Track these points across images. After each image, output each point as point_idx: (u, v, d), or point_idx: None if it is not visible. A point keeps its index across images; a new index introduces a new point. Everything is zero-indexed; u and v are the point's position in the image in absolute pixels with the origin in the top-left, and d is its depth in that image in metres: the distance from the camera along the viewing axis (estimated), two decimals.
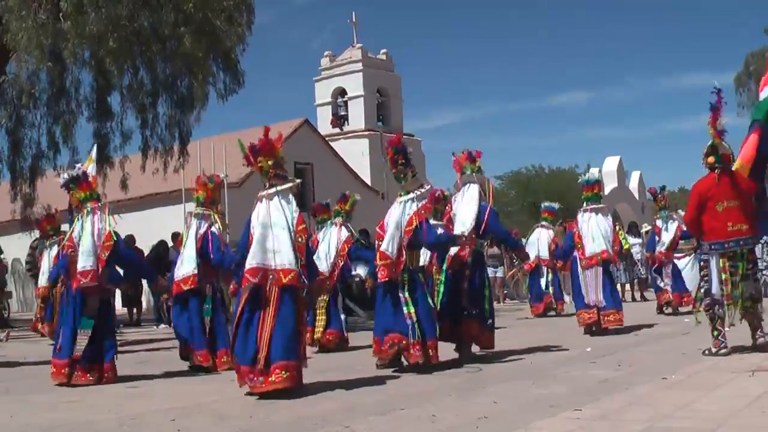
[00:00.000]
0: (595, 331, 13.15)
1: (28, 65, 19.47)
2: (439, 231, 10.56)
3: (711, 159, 9.70)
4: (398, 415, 6.79)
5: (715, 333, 9.60)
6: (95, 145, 15.37)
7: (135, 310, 21.61)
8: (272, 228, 8.35)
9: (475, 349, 10.66)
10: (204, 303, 10.80)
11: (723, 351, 9.49)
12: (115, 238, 9.89)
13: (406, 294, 9.67)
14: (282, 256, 8.23)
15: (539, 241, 19.60)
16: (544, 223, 20.15)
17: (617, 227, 16.00)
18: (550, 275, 19.41)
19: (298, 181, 8.97)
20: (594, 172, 15.98)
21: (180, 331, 10.89)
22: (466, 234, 10.42)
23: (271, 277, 8.18)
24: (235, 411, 7.31)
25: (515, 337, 11.48)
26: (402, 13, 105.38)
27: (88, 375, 9.50)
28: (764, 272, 21.34)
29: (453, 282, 10.59)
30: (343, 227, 13.34)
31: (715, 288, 9.58)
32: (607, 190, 36.88)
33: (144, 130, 21.61)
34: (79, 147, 21.71)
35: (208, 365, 10.50)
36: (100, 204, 10.23)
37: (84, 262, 9.69)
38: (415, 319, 9.53)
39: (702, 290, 9.82)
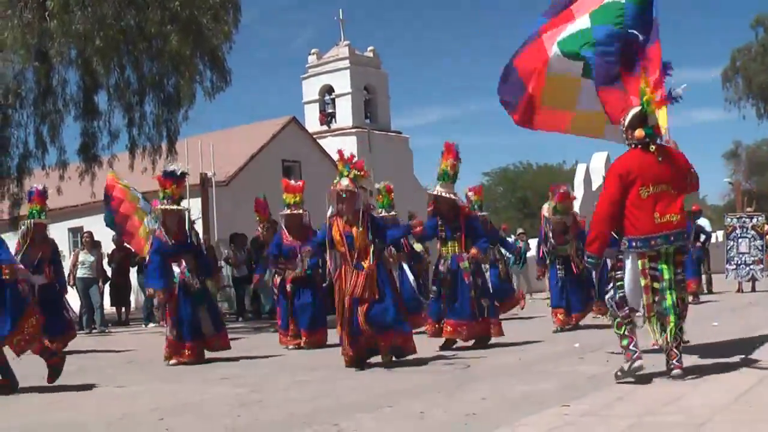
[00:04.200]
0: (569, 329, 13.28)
1: (14, 64, 19.44)
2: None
3: (640, 132, 7.60)
4: (386, 413, 6.78)
5: (625, 342, 7.51)
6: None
7: (123, 309, 21.60)
8: None
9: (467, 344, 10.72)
10: None
11: (637, 363, 7.34)
12: None
13: None
14: None
15: None
16: None
17: None
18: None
19: (342, 188, 9.69)
20: None
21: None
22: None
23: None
24: (223, 410, 7.29)
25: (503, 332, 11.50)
26: (388, 11, 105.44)
27: None
28: (752, 267, 21.51)
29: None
30: None
31: (631, 297, 7.56)
32: (594, 186, 36.92)
33: (131, 128, 21.58)
34: (67, 146, 21.72)
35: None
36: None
37: None
38: None
39: (616, 299, 7.67)
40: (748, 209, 23.29)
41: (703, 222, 21.65)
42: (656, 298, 7.46)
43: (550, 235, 13.80)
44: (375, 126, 36.98)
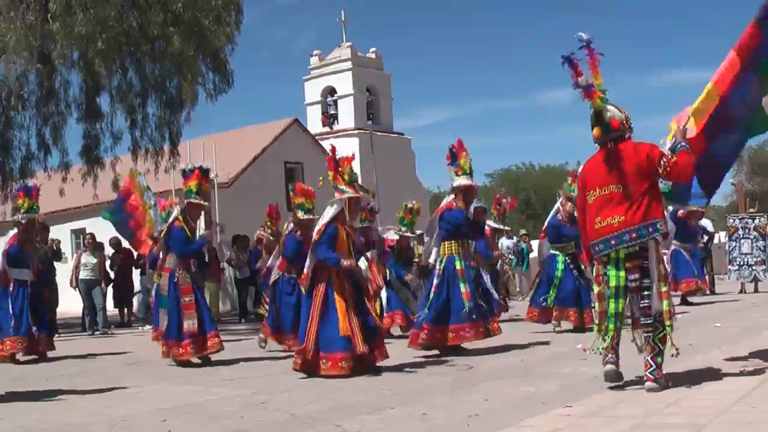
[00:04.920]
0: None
1: (17, 66, 19.47)
2: None
3: (597, 131, 7.21)
4: (389, 414, 6.79)
5: (603, 346, 7.20)
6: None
7: (126, 311, 21.61)
8: None
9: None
10: None
11: (609, 367, 7.15)
12: None
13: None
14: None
15: None
16: None
17: None
18: None
19: (349, 195, 9.78)
20: None
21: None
22: None
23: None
24: (227, 411, 7.30)
25: (506, 334, 11.48)
26: (390, 12, 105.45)
27: None
28: (754, 268, 21.49)
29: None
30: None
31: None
32: None
33: (134, 130, 21.60)
34: (69, 148, 21.76)
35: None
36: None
37: None
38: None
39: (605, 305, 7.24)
40: (751, 210, 23.27)
41: (705, 223, 21.65)
42: (608, 305, 7.13)
43: (564, 219, 13.57)
44: (377, 127, 36.95)
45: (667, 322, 6.98)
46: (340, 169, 9.80)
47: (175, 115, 21.43)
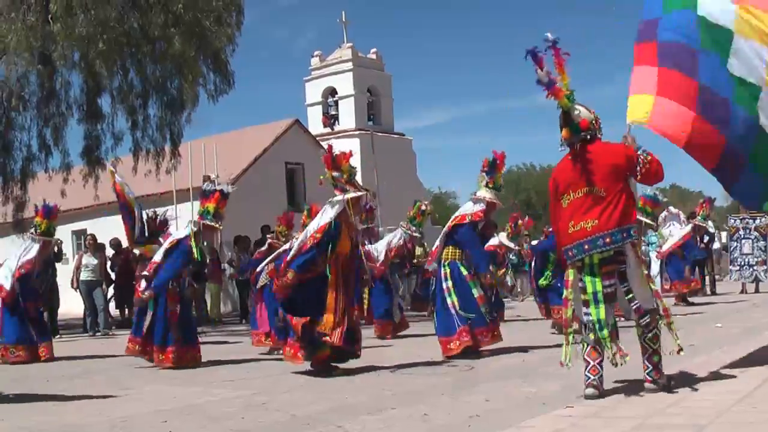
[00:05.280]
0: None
1: (18, 67, 19.48)
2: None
3: (565, 132, 6.96)
4: (390, 415, 6.78)
5: (583, 366, 6.92)
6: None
7: (127, 312, 21.59)
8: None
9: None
10: None
11: (589, 390, 6.76)
12: None
13: (449, 283, 10.72)
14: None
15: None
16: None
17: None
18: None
19: (352, 195, 9.71)
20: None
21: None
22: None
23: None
24: (227, 413, 7.29)
25: (506, 335, 11.46)
26: (391, 13, 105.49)
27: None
28: (756, 268, 21.49)
29: None
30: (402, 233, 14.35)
31: (577, 310, 6.97)
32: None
33: (135, 131, 21.64)
34: (70, 149, 21.76)
35: None
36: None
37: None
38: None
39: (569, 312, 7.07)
40: (752, 211, 23.27)
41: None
42: (585, 311, 6.84)
43: None
44: (378, 128, 36.93)
45: (664, 321, 6.96)
46: (339, 167, 9.77)
47: (176, 115, 21.47)
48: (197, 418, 7.16)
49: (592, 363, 6.82)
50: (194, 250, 11.03)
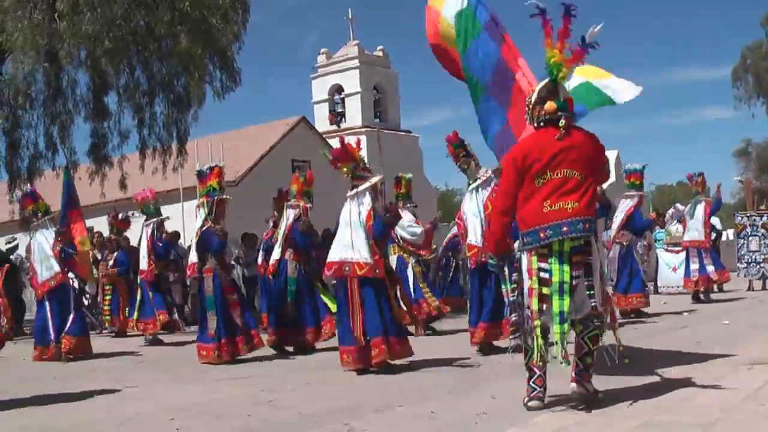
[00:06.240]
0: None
1: (24, 66, 19.48)
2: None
3: (551, 105, 6.43)
4: (397, 413, 6.80)
5: (527, 374, 6.56)
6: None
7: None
8: (351, 226, 9.46)
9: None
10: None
11: (533, 402, 6.42)
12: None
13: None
14: (357, 250, 9.33)
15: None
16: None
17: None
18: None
19: (376, 178, 9.79)
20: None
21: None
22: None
23: (346, 268, 9.35)
24: (234, 411, 7.31)
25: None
26: (398, 10, 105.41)
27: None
28: (763, 265, 21.44)
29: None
30: (405, 210, 13.55)
31: (526, 301, 6.45)
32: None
33: (141, 129, 21.61)
34: (77, 147, 21.76)
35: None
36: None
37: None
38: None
39: (510, 306, 6.79)
40: (761, 208, 23.21)
41: (713, 220, 21.62)
42: (544, 305, 6.26)
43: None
44: (385, 125, 36.92)
45: (611, 326, 6.58)
46: (354, 156, 9.80)
47: (183, 113, 21.44)
48: (204, 415, 7.17)
49: (538, 373, 6.46)
50: (218, 230, 11.22)
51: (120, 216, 15.32)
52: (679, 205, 20.69)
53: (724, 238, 25.17)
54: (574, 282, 6.22)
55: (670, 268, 19.94)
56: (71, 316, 12.58)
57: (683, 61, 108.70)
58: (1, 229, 28.32)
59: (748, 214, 22.35)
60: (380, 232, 9.71)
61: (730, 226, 28.58)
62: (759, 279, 21.70)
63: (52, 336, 12.44)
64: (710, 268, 17.90)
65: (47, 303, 12.64)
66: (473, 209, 10.59)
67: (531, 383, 6.46)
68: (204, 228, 11.23)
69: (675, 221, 19.93)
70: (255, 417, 6.92)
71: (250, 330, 11.28)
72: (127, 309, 16.39)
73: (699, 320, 13.76)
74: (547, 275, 6.24)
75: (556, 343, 6.14)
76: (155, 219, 14.94)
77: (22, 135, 21.40)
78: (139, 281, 14.96)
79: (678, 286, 19.16)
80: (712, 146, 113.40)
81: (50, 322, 12.54)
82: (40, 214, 13.13)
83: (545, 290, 6.23)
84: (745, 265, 21.63)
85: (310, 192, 12.25)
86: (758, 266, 21.46)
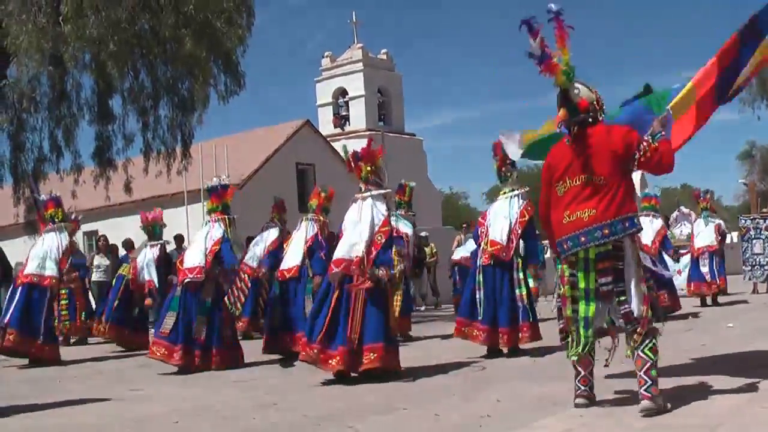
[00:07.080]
0: None
1: (29, 69, 19.47)
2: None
3: (563, 113, 6.36)
4: (401, 415, 6.80)
5: (574, 373, 6.61)
6: None
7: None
8: (361, 224, 9.25)
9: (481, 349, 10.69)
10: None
11: (578, 400, 6.48)
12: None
13: (520, 275, 10.73)
14: (359, 248, 9.09)
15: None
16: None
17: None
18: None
19: (390, 189, 10.08)
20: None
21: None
22: None
23: (353, 267, 9.04)
24: (238, 412, 7.32)
25: None
26: (402, 13, 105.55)
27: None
28: (766, 267, 21.41)
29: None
30: (404, 221, 13.56)
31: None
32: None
33: (146, 132, 21.61)
34: (81, 150, 21.78)
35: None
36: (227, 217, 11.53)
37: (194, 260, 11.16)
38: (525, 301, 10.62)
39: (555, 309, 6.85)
40: (764, 210, 23.20)
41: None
42: (573, 307, 6.36)
43: None
44: (389, 128, 36.96)
45: (639, 330, 6.14)
46: (375, 162, 9.65)
47: (187, 116, 21.45)
48: (209, 418, 7.18)
49: (583, 372, 6.49)
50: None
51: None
52: (683, 208, 20.66)
53: (728, 240, 25.11)
54: (604, 289, 6.22)
55: (674, 271, 19.92)
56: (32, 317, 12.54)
57: (686, 62, 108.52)
58: (5, 233, 28.37)
59: (752, 217, 22.36)
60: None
61: (734, 229, 28.54)
62: (763, 282, 21.68)
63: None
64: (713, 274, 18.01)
65: (18, 291, 12.71)
66: (505, 212, 10.87)
67: (576, 382, 6.55)
68: (225, 242, 11.30)
69: (679, 224, 19.91)
70: (259, 419, 6.93)
71: (211, 348, 10.99)
72: (83, 313, 16.58)
73: (703, 323, 13.76)
74: (575, 281, 6.34)
75: (575, 346, 6.31)
76: (161, 241, 15.18)
77: (27, 138, 21.40)
78: (147, 290, 15.13)
79: (681, 290, 19.13)
80: (717, 149, 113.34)
81: (5, 308, 12.69)
82: (57, 220, 13.19)
83: (573, 293, 6.36)
84: (750, 267, 21.61)
85: (329, 208, 12.22)
86: (762, 269, 21.43)
